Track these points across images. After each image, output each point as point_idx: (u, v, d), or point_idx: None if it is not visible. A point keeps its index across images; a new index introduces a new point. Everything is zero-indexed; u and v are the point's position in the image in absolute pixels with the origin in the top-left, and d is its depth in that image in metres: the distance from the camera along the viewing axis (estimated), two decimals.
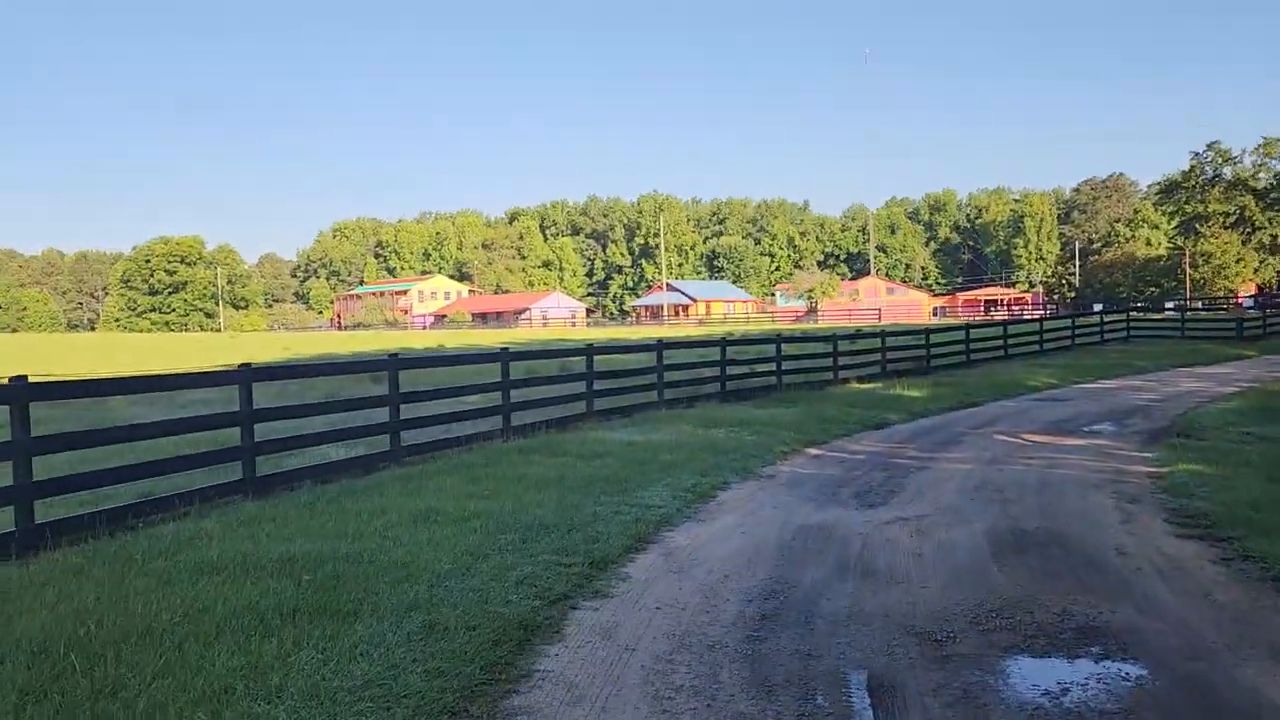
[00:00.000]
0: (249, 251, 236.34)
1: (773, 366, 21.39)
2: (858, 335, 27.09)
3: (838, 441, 14.28)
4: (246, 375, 9.06)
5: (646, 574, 6.96)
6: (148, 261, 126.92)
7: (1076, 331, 35.02)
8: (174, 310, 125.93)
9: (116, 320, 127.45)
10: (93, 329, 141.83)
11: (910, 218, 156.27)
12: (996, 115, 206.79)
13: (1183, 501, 9.01)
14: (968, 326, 30.08)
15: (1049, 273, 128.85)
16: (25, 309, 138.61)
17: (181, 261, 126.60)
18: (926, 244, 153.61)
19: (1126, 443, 13.39)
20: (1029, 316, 69.56)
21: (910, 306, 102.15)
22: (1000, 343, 30.63)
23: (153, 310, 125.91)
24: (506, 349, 13.87)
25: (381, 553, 6.99)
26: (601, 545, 7.52)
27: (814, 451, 13.41)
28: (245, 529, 7.66)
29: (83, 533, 7.41)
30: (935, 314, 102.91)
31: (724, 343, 20.10)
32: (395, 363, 11.31)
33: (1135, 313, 44.22)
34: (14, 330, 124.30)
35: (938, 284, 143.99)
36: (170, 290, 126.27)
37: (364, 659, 4.99)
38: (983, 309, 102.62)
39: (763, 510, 9.22)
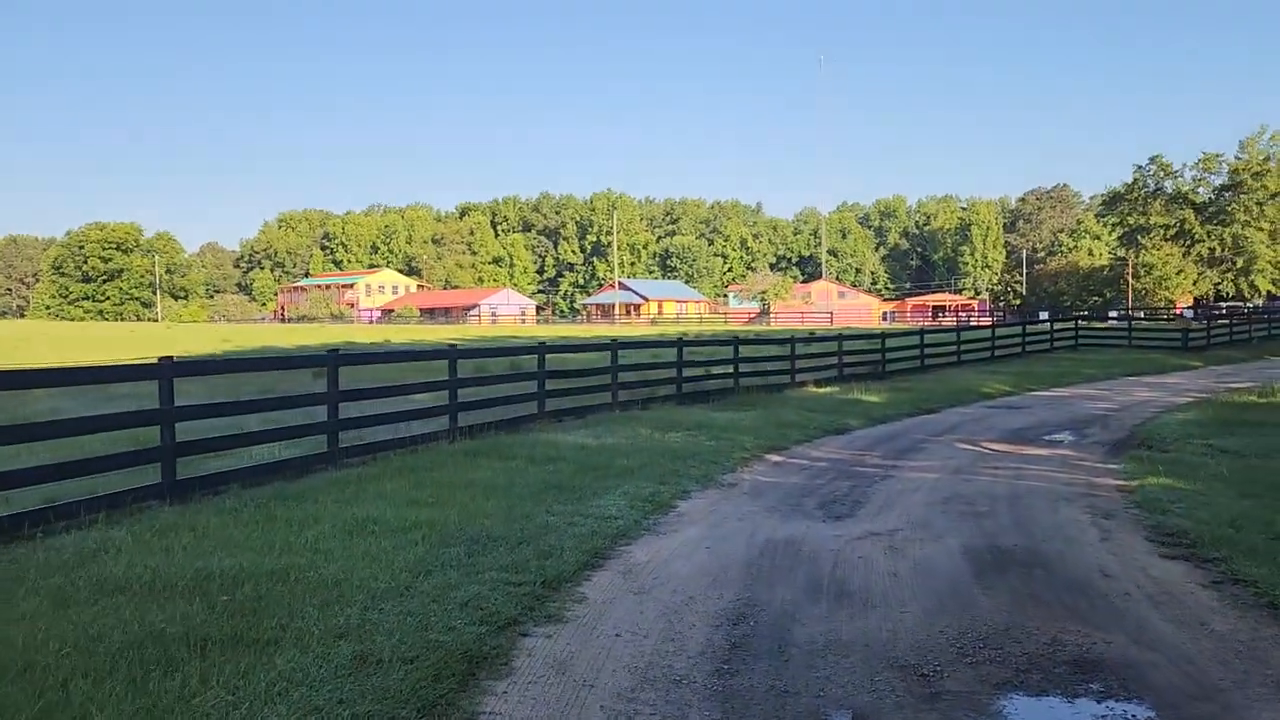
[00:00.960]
0: (190, 240, 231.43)
1: (730, 369, 20.94)
2: (815, 339, 26.80)
3: (799, 447, 13.84)
4: (168, 369, 8.29)
5: (604, 595, 6.38)
6: (81, 248, 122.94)
7: (1027, 339, 35.16)
8: (108, 299, 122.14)
9: (47, 308, 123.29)
10: (22, 315, 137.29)
11: (861, 223, 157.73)
12: (945, 124, 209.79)
13: (1159, 519, 8.67)
14: (922, 332, 29.91)
15: (995, 280, 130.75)
16: None
17: (117, 248, 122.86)
18: (876, 249, 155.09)
19: (1089, 453, 13.12)
20: (979, 324, 70.28)
21: (861, 310, 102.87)
22: (954, 349, 30.59)
23: (86, 299, 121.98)
24: (455, 346, 13.20)
25: (311, 569, 6.32)
26: (555, 561, 6.93)
27: (775, 458, 12.94)
28: (159, 540, 6.93)
29: None
30: (885, 318, 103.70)
31: (680, 343, 19.59)
32: (335, 359, 10.58)
33: (1082, 321, 44.67)
34: None
35: (887, 289, 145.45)
36: (105, 278, 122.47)
37: (281, 700, 4.35)
38: (931, 314, 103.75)
39: (726, 523, 8.69)
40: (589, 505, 9.01)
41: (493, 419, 13.81)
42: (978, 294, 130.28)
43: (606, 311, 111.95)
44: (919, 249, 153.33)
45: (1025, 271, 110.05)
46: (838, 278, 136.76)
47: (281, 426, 10.46)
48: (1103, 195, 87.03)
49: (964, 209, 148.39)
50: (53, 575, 5.98)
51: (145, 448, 8.42)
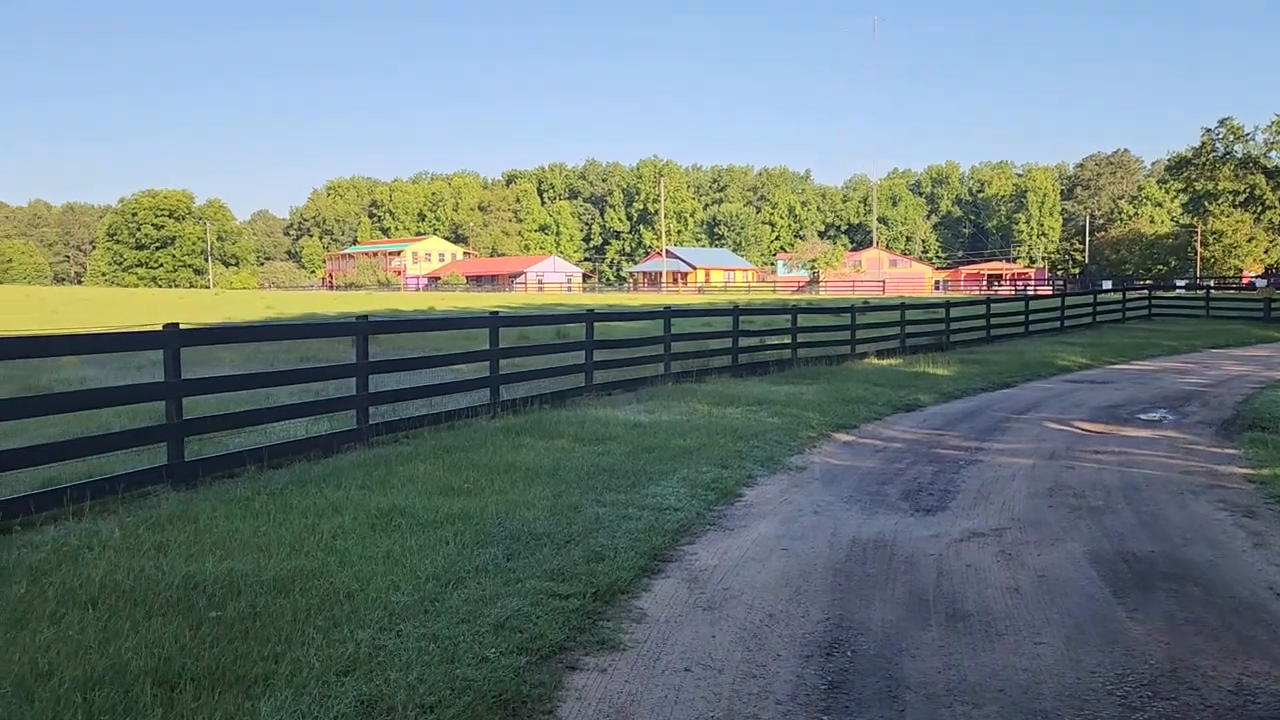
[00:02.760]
0: (241, 208, 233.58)
1: (787, 339, 19.74)
2: (875, 307, 25.45)
3: (869, 426, 12.67)
4: (173, 337, 7.35)
5: (667, 611, 5.33)
6: (134, 215, 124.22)
7: (1098, 309, 33.40)
8: (161, 266, 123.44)
9: (103, 274, 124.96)
10: (79, 282, 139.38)
11: (912, 190, 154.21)
12: (1001, 88, 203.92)
13: None
14: (988, 300, 28.37)
15: (1053, 249, 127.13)
16: (10, 260, 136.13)
17: (170, 216, 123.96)
18: (928, 217, 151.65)
19: (1197, 435, 11.78)
20: (1039, 293, 67.89)
21: (913, 279, 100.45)
22: (1022, 319, 29.06)
23: (139, 265, 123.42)
24: (497, 313, 12.17)
25: (321, 575, 5.35)
26: (608, 566, 5.89)
27: (845, 437, 11.80)
28: (152, 535, 6.00)
29: None
30: (938, 287, 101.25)
31: (736, 311, 18.41)
32: (366, 326, 9.60)
33: (1157, 291, 42.62)
34: None
35: (938, 257, 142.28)
36: (158, 245, 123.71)
37: None
38: (985, 283, 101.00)
39: (801, 516, 7.59)
40: (644, 493, 7.96)
41: (537, 392, 12.82)
42: (1033, 262, 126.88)
43: (653, 280, 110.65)
44: (972, 216, 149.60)
45: (1087, 239, 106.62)
46: (887, 246, 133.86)
47: (303, 401, 9.50)
48: (1166, 160, 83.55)
49: (1019, 175, 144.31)
50: (18, 581, 5.08)
51: (140, 427, 7.54)
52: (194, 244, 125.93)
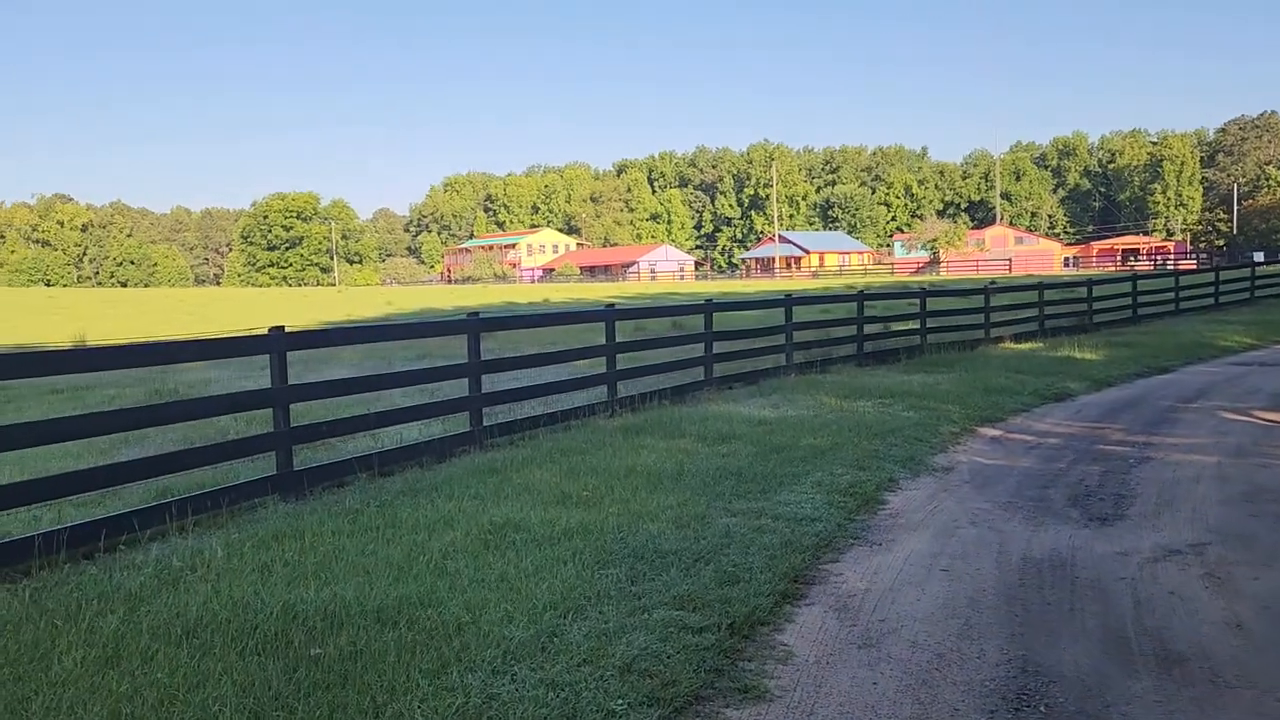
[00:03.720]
0: (364, 207, 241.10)
1: (915, 324, 18.63)
2: (1011, 288, 23.99)
3: (1017, 419, 11.63)
4: (278, 341, 7.03)
5: (817, 648, 4.64)
6: (265, 218, 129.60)
7: (1256, 283, 30.82)
8: (291, 265, 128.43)
9: (239, 275, 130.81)
10: (218, 283, 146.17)
11: (1037, 163, 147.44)
12: (1131, 51, 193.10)
13: None
14: (1134, 277, 26.45)
15: (1193, 220, 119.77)
16: (156, 265, 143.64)
17: (297, 217, 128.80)
18: (1054, 190, 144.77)
19: None
20: (1181, 267, 63.76)
21: (1041, 256, 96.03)
22: (1171, 296, 26.98)
23: (271, 265, 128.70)
24: (613, 305, 11.62)
25: (430, 604, 4.85)
26: (744, 591, 5.23)
27: (991, 432, 10.81)
28: (256, 554, 5.63)
29: (27, 563, 5.45)
30: (1067, 264, 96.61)
31: (861, 296, 17.43)
32: (476, 324, 9.17)
33: None
34: (146, 285, 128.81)
35: (1065, 233, 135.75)
36: (287, 245, 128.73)
37: None
38: (1120, 259, 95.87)
39: (957, 528, 6.76)
40: (776, 500, 7.26)
41: (655, 387, 12.23)
42: (1170, 235, 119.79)
43: (766, 265, 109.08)
44: (1102, 189, 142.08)
45: (1235, 209, 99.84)
46: (1011, 223, 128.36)
47: (415, 404, 9.12)
48: None
49: (1154, 143, 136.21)
50: (115, 610, 4.74)
51: (248, 435, 7.23)
52: (320, 243, 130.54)
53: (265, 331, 7.06)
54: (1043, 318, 21.95)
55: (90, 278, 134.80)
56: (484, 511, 6.67)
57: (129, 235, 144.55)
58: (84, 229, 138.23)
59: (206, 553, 5.64)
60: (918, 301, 18.99)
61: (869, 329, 17.46)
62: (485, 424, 9.26)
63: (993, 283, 27.80)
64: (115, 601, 4.86)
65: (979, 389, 13.39)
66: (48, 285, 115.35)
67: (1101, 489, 7.95)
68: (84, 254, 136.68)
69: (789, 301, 15.36)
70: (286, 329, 7.13)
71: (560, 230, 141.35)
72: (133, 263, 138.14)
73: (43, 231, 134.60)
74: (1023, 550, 6.16)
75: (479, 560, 5.61)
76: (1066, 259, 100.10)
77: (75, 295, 57.23)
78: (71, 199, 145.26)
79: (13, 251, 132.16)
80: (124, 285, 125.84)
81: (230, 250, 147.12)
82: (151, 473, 6.39)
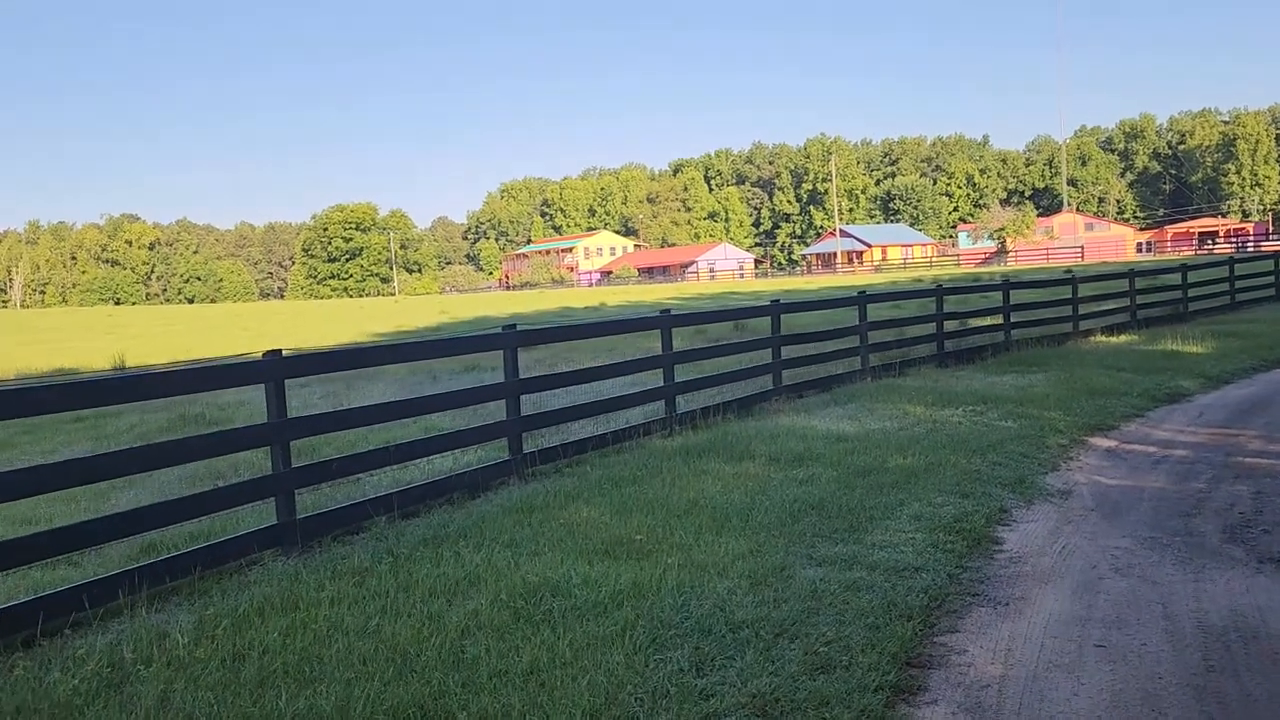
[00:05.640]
0: (422, 216, 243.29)
1: (998, 319, 17.14)
2: (1097, 276, 22.27)
3: (1132, 426, 10.20)
4: (274, 368, 5.99)
5: None
6: (325, 230, 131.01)
7: None
8: (351, 276, 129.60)
9: (301, 288, 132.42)
10: (282, 296, 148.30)
11: (1103, 147, 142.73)
12: (1197, 28, 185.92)
13: None
14: (1231, 260, 24.51)
15: (1271, 199, 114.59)
16: (221, 280, 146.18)
17: (356, 228, 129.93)
18: (1122, 175, 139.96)
19: None
20: (1268, 248, 60.46)
21: (1113, 242, 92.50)
22: (1271, 280, 25.00)
23: (332, 277, 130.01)
24: (668, 311, 10.45)
25: (435, 713, 3.74)
26: (842, 683, 4.03)
27: (1105, 443, 9.42)
28: (231, 638, 4.56)
29: None
30: (1140, 250, 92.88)
31: (939, 290, 16.00)
32: (513, 338, 8.07)
33: None
34: (212, 300, 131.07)
35: (1135, 217, 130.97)
36: (347, 257, 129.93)
37: None
38: (1196, 242, 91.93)
39: (1100, 578, 5.46)
40: (869, 542, 6.03)
41: (718, 400, 11.03)
42: (1246, 216, 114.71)
43: (827, 261, 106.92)
44: (1172, 171, 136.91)
45: None
46: (1078, 209, 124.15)
47: (437, 435, 7.98)
48: None
49: (1226, 122, 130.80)
50: None
51: (246, 480, 6.19)
52: (379, 254, 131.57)
53: (261, 356, 6.02)
54: (1134, 307, 20.27)
55: (158, 295, 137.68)
56: (517, 567, 5.55)
57: (195, 252, 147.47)
58: (151, 247, 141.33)
59: (173, 634, 4.60)
60: (999, 294, 17.51)
61: (949, 325, 16.06)
62: (526, 451, 8.15)
63: (1068, 271, 26.07)
64: (38, 718, 3.83)
65: (1081, 391, 11.94)
66: (117, 304, 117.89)
67: (1260, 516, 6.57)
68: (152, 272, 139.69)
69: (863, 299, 14.02)
70: (284, 353, 6.08)
71: (617, 232, 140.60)
72: (199, 279, 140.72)
73: (111, 251, 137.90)
74: (1193, 611, 4.85)
75: (505, 641, 4.49)
76: (1140, 244, 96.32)
77: (133, 314, 57.82)
78: (139, 218, 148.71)
79: (84, 272, 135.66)
80: (191, 301, 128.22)
81: (293, 264, 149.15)
82: (110, 535, 5.36)
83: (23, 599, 4.88)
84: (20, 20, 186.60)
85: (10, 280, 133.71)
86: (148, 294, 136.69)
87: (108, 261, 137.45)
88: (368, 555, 5.87)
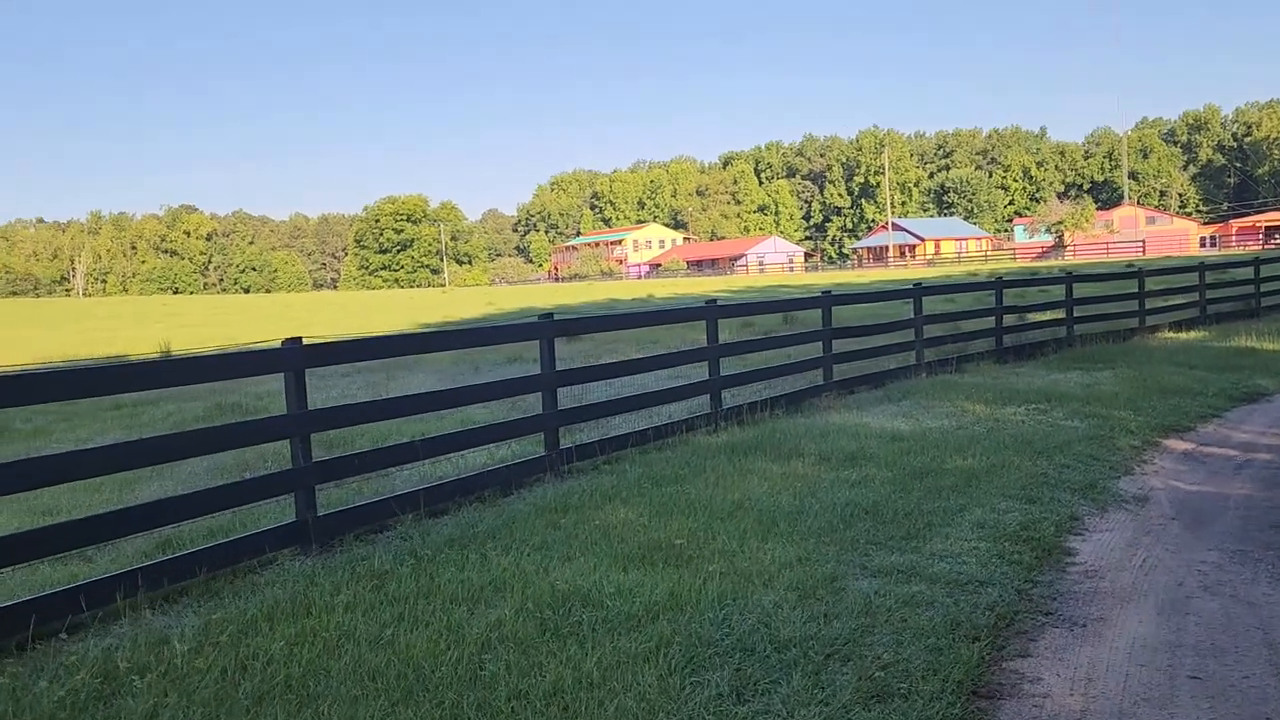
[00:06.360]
0: (472, 208, 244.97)
1: (1059, 313, 16.43)
2: (1162, 270, 21.38)
3: (1208, 427, 9.56)
4: (296, 357, 5.68)
5: None
6: (377, 221, 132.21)
7: None
8: (402, 268, 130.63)
9: (354, 279, 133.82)
10: (334, 287, 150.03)
11: (1165, 139, 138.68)
12: (1266, 16, 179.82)
13: None
14: None
15: None
16: (276, 271, 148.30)
17: (408, 220, 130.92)
18: (1184, 168, 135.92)
19: None
20: None
21: (1176, 237, 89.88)
22: None
23: (383, 269, 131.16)
24: (714, 301, 10.00)
25: None
26: (899, 715, 3.58)
27: (1180, 445, 8.81)
28: (235, 645, 4.22)
29: None
30: (1204, 244, 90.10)
31: (999, 284, 15.34)
32: (550, 328, 7.69)
33: None
34: (267, 290, 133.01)
35: (1198, 211, 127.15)
36: (398, 248, 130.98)
37: None
38: (1262, 237, 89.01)
39: (1189, 596, 4.93)
40: (928, 552, 5.56)
41: (766, 395, 10.57)
42: None
43: (878, 255, 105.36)
44: (1238, 164, 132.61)
45: None
46: (1139, 202, 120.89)
47: (467, 429, 7.63)
48: None
49: None
50: None
51: (263, 474, 5.89)
52: (430, 245, 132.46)
53: (282, 343, 5.71)
54: (1204, 302, 19.38)
55: (215, 285, 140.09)
56: (547, 573, 5.17)
57: (250, 243, 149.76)
58: (208, 238, 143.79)
59: (173, 642, 4.28)
60: (1061, 288, 16.78)
61: (1008, 320, 15.40)
62: (563, 446, 7.77)
63: (1130, 265, 25.07)
64: None
65: (1151, 389, 11.29)
66: (175, 293, 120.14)
67: None
68: (209, 262, 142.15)
69: (918, 291, 13.44)
70: (305, 341, 5.76)
71: (666, 225, 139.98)
72: (254, 269, 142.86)
73: (170, 241, 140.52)
74: None
75: (528, 657, 4.10)
76: (1203, 239, 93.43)
77: (187, 303, 58.62)
78: (196, 209, 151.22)
79: (144, 262, 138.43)
80: (246, 291, 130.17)
81: (345, 255, 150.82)
82: (117, 532, 5.07)
83: (20, 599, 4.60)
84: (85, 17, 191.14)
85: (73, 269, 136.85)
86: (205, 284, 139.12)
87: (166, 251, 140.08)
88: (389, 556, 5.52)
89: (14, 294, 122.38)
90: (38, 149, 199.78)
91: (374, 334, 19.96)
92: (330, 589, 4.97)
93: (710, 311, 9.75)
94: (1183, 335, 17.30)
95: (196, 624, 4.53)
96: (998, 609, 4.72)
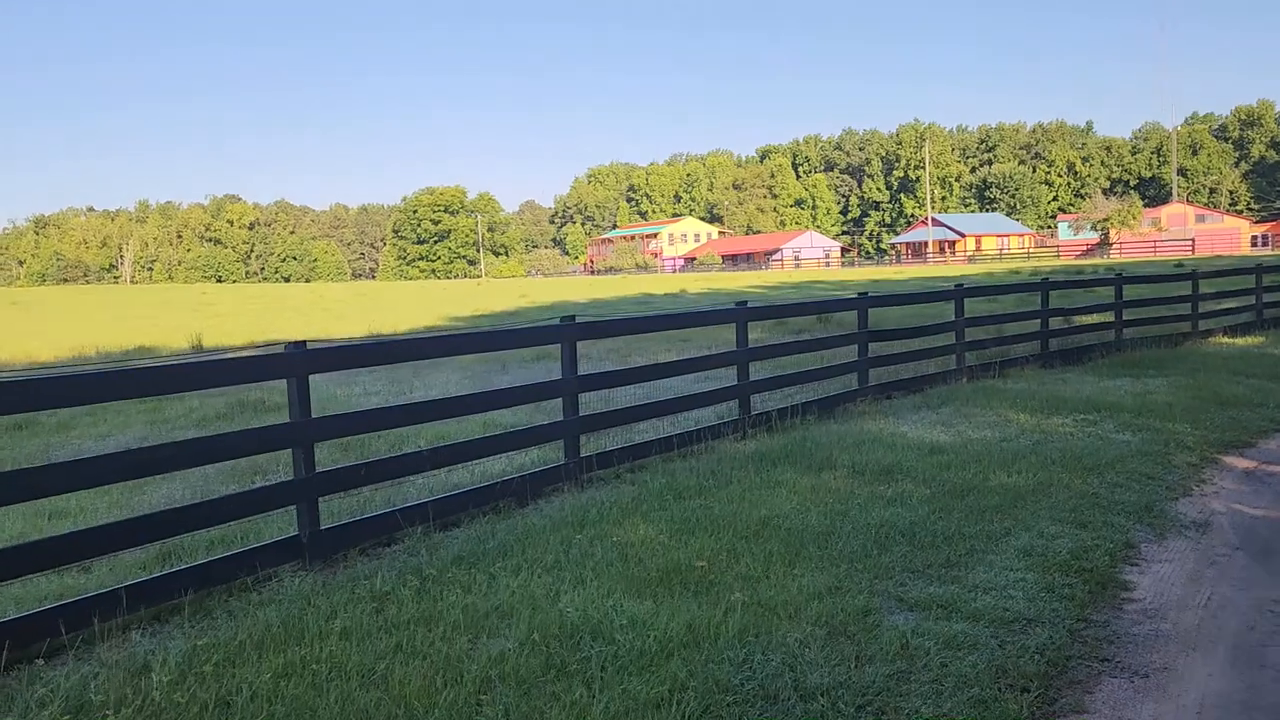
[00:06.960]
0: (509, 200, 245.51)
1: (1108, 316, 15.80)
2: (1216, 272, 20.59)
3: (1271, 444, 8.99)
4: (300, 361, 5.36)
5: None
6: (415, 212, 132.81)
7: None
8: (439, 258, 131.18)
9: (392, 269, 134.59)
10: (373, 277, 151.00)
11: (1216, 135, 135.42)
12: None
13: None
14: None
15: None
16: (316, 260, 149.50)
17: (445, 211, 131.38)
18: (1235, 165, 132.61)
19: None
20: None
21: (1227, 235, 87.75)
22: None
23: (421, 259, 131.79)
24: (744, 303, 9.59)
25: None
26: None
27: (1242, 463, 8.26)
28: (219, 677, 3.91)
29: None
30: (1257, 243, 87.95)
31: (1045, 285, 14.77)
32: (572, 330, 7.34)
33: None
34: (307, 280, 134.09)
35: (1250, 209, 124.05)
36: (436, 239, 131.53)
37: None
38: None
39: (1263, 644, 4.47)
40: (969, 584, 5.13)
41: (798, 400, 10.15)
42: None
43: (917, 250, 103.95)
44: None
45: None
46: (1188, 200, 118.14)
47: (483, 437, 7.30)
48: None
49: None
50: None
51: (261, 486, 5.59)
52: (467, 236, 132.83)
53: (284, 346, 5.40)
54: (1260, 305, 18.61)
55: (257, 273, 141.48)
56: (557, 598, 4.81)
57: (291, 232, 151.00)
58: (251, 227, 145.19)
59: (155, 671, 3.99)
60: (1110, 289, 16.15)
61: (1054, 323, 14.82)
62: (583, 454, 7.42)
63: (1179, 265, 24.23)
64: None
65: (1209, 400, 10.72)
66: (219, 281, 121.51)
67: None
68: (251, 251, 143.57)
69: (960, 292, 12.92)
70: (308, 345, 5.44)
71: (702, 219, 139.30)
72: (295, 259, 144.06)
73: (214, 230, 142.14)
74: None
75: (529, 699, 3.75)
76: (1255, 237, 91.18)
77: (225, 292, 59.08)
78: (240, 199, 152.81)
79: (189, 250, 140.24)
80: (286, 280, 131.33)
81: (384, 245, 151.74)
82: (97, 550, 4.77)
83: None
84: (134, 21, 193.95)
85: (121, 257, 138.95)
86: (247, 272, 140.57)
87: (211, 240, 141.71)
88: (393, 575, 5.20)
89: (64, 280, 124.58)
90: (89, 139, 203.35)
91: (391, 335, 19.77)
92: (327, 612, 4.66)
93: (740, 314, 9.34)
94: (1238, 341, 16.60)
95: (183, 649, 4.23)
96: (1048, 653, 4.30)
